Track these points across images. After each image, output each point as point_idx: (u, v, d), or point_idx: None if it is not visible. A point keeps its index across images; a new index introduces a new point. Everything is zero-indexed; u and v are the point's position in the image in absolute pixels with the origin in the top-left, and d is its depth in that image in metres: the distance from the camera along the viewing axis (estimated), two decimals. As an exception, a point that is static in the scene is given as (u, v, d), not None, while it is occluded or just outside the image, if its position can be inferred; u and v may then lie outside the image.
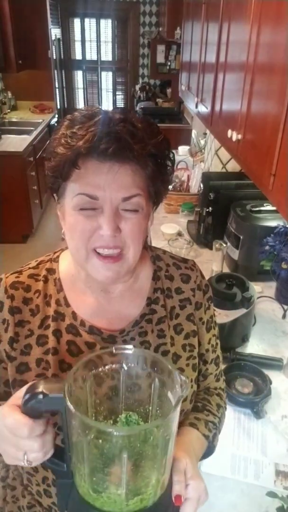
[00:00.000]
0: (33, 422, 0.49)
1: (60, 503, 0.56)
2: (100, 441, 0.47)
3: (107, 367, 0.55)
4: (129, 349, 0.55)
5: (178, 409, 0.48)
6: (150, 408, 0.56)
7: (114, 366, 0.56)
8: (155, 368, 0.55)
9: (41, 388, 0.48)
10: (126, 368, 0.56)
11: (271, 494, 0.85)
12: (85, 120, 0.57)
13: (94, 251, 0.60)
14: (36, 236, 3.83)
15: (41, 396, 0.48)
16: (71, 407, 0.46)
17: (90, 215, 0.59)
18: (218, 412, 0.77)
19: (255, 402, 1.03)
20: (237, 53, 1.16)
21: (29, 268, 0.71)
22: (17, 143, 3.53)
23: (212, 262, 1.63)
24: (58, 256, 0.72)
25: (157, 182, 0.62)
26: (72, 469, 0.52)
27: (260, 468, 0.92)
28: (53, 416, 0.57)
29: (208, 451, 0.73)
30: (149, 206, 0.63)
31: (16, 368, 0.66)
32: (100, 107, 0.62)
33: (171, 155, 0.63)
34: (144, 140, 0.57)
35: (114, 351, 0.55)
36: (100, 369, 0.55)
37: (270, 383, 1.09)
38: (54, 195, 0.65)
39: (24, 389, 0.51)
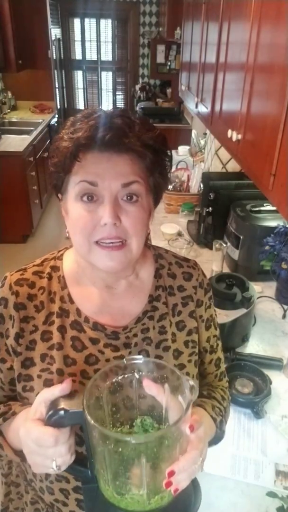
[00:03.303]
0: (58, 431, 0.52)
1: (86, 506, 0.59)
2: (120, 448, 0.51)
3: (120, 377, 0.58)
4: (139, 359, 0.59)
5: (189, 412, 0.51)
6: (163, 411, 0.58)
7: (126, 375, 0.59)
8: (165, 375, 0.58)
9: (62, 404, 0.52)
10: (137, 376, 0.59)
11: (271, 494, 0.85)
12: (86, 117, 0.61)
13: (96, 243, 0.61)
14: (36, 236, 3.83)
15: (62, 412, 0.52)
16: (91, 420, 0.50)
17: (91, 209, 0.60)
18: (223, 402, 0.78)
19: (255, 402, 1.03)
20: (237, 53, 1.16)
21: (34, 265, 0.72)
22: (17, 143, 3.53)
23: (212, 262, 1.63)
24: (62, 254, 0.74)
25: (155, 173, 0.64)
26: (96, 474, 0.56)
27: (260, 468, 0.92)
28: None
29: (216, 437, 0.74)
30: (148, 198, 0.65)
31: (22, 363, 0.67)
32: (101, 107, 0.64)
33: (168, 152, 0.65)
34: (140, 131, 0.60)
35: (125, 362, 0.58)
36: (113, 380, 0.58)
37: (270, 383, 1.09)
38: (58, 194, 0.66)
39: (37, 404, 0.55)
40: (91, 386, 0.54)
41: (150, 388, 0.58)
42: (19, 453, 0.65)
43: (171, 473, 0.52)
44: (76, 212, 0.61)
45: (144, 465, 0.51)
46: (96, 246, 0.61)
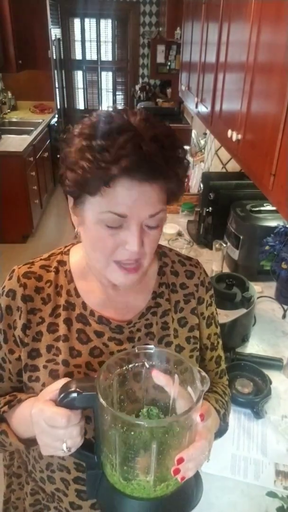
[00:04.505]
0: (70, 412, 0.53)
1: (89, 491, 0.59)
2: (132, 432, 0.51)
3: (130, 365, 0.59)
4: (151, 348, 0.59)
5: (200, 403, 0.52)
6: (170, 402, 0.59)
7: (136, 364, 0.59)
8: (175, 366, 0.59)
9: (74, 387, 0.53)
10: (147, 366, 0.59)
11: (271, 494, 0.85)
12: (110, 132, 0.54)
13: (114, 262, 0.61)
14: (36, 236, 3.83)
15: (75, 394, 0.52)
16: (104, 403, 0.50)
17: (114, 233, 0.59)
18: (225, 396, 0.80)
19: (255, 402, 1.03)
20: (237, 53, 1.16)
21: (41, 259, 0.73)
22: (17, 143, 3.53)
23: (212, 262, 1.63)
24: (69, 250, 0.75)
25: (177, 193, 0.63)
26: (102, 460, 0.56)
27: (260, 468, 0.92)
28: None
29: (221, 430, 0.76)
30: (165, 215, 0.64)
31: (28, 354, 0.68)
32: (118, 108, 0.60)
33: (185, 162, 0.62)
34: (173, 160, 0.58)
35: (136, 351, 0.59)
36: (124, 368, 0.59)
37: (270, 383, 1.09)
38: (69, 197, 0.63)
39: (54, 386, 0.56)
40: (103, 371, 0.55)
41: (159, 378, 0.58)
42: (24, 441, 0.66)
43: (180, 460, 0.52)
44: (97, 233, 0.60)
45: (153, 451, 0.52)
46: (115, 264, 0.62)
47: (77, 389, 0.52)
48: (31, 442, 0.66)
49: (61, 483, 0.73)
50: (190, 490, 0.57)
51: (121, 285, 0.65)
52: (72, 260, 0.73)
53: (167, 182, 0.59)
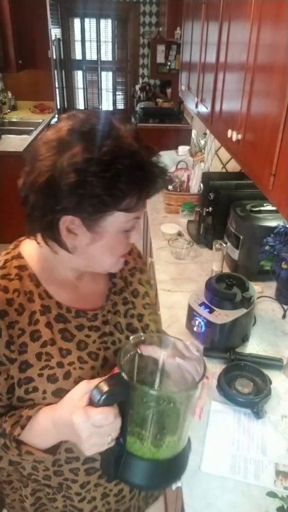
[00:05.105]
0: (113, 408, 0.58)
1: (110, 475, 0.64)
2: (172, 404, 0.60)
3: (128, 355, 0.64)
4: (140, 336, 0.67)
5: (204, 367, 0.62)
6: (159, 367, 0.68)
7: (132, 352, 0.65)
8: (162, 343, 0.68)
9: (106, 387, 0.57)
10: (139, 351, 0.65)
11: (271, 494, 0.85)
12: (124, 158, 0.60)
13: (121, 256, 0.71)
14: (36, 236, 3.82)
15: (114, 391, 0.57)
16: (146, 388, 0.61)
17: (129, 234, 0.68)
18: None
19: (255, 402, 1.03)
20: (237, 53, 1.16)
21: None
22: (17, 143, 3.53)
23: (212, 262, 1.63)
24: (19, 252, 0.74)
25: None
26: (128, 440, 0.62)
27: (260, 468, 0.92)
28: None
29: None
30: None
31: (19, 368, 0.67)
32: (107, 122, 0.63)
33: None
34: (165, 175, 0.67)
35: (132, 341, 0.65)
36: (125, 358, 0.64)
37: (270, 383, 1.09)
38: (67, 218, 0.62)
39: (78, 392, 0.60)
40: (123, 364, 0.61)
41: (147, 349, 0.65)
42: (48, 451, 0.67)
43: (200, 410, 0.65)
44: (118, 240, 0.67)
45: (182, 414, 0.61)
46: (121, 258, 0.71)
47: (112, 388, 0.57)
48: (54, 449, 0.68)
49: (70, 472, 0.76)
50: (189, 445, 0.69)
51: (115, 270, 0.73)
52: (31, 262, 0.72)
53: None
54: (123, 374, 0.58)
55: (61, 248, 0.66)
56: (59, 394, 0.67)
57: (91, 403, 0.57)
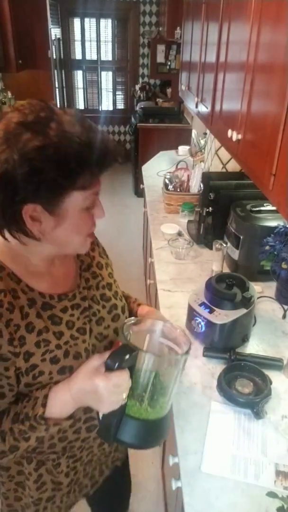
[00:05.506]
0: (125, 370, 0.69)
1: (107, 437, 0.74)
2: (170, 366, 0.75)
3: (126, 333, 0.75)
4: (131, 319, 0.79)
5: (189, 352, 0.74)
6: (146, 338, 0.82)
7: (127, 333, 0.75)
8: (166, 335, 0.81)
9: (120, 354, 0.69)
10: (131, 332, 0.76)
11: (271, 494, 0.85)
12: (81, 136, 0.64)
13: (88, 236, 0.75)
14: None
15: (127, 356, 0.68)
16: (153, 354, 0.75)
17: (90, 212, 0.72)
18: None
19: (255, 402, 1.03)
20: (237, 53, 1.16)
21: None
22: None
23: (212, 262, 1.63)
24: None
25: None
26: (128, 404, 0.72)
27: (260, 468, 0.92)
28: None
29: None
30: None
31: (23, 359, 0.73)
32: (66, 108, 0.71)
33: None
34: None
35: (126, 323, 0.77)
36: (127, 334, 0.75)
37: (270, 383, 1.09)
38: (28, 206, 0.65)
39: (90, 365, 0.71)
40: (123, 338, 0.73)
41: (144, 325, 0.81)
42: (68, 418, 0.77)
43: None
44: (81, 218, 0.71)
45: (173, 377, 0.74)
46: (88, 237, 0.76)
47: (124, 354, 0.68)
48: (71, 415, 0.77)
49: (73, 434, 0.86)
50: (171, 410, 0.80)
51: (85, 251, 0.80)
52: (5, 261, 0.74)
53: None
54: (131, 344, 0.70)
55: (29, 238, 0.69)
56: (63, 371, 0.76)
57: (107, 369, 0.69)
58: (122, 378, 0.68)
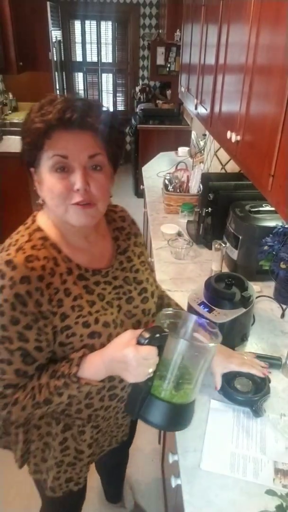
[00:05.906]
0: (154, 347, 0.74)
1: (132, 411, 0.79)
2: (196, 353, 0.79)
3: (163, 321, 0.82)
4: (168, 310, 0.87)
5: (218, 341, 0.80)
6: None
7: (162, 321, 0.81)
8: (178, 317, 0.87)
9: (148, 333, 0.74)
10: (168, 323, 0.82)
11: (270, 492, 0.85)
12: (51, 102, 0.75)
13: (72, 205, 0.78)
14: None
15: (158, 335, 0.74)
16: (181, 338, 0.79)
17: (63, 177, 0.76)
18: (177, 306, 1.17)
19: (254, 401, 1.04)
20: (236, 55, 1.17)
21: (25, 242, 0.82)
22: (18, 144, 3.50)
23: (211, 262, 1.64)
24: (38, 226, 0.86)
25: (113, 145, 0.82)
26: (154, 384, 0.77)
27: (259, 466, 0.92)
28: None
29: None
30: (109, 166, 0.83)
31: (59, 318, 0.81)
32: (59, 94, 0.81)
33: (121, 127, 0.84)
34: (98, 111, 0.78)
35: (164, 312, 0.84)
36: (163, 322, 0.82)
37: (269, 381, 1.10)
38: (32, 169, 0.81)
39: (124, 338, 0.78)
40: (159, 322, 0.80)
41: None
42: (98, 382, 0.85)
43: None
44: (51, 181, 0.77)
45: (200, 366, 0.78)
46: (74, 207, 0.78)
47: (154, 333, 0.74)
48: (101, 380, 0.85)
49: (99, 401, 0.93)
50: (194, 403, 0.83)
51: (81, 224, 0.81)
52: (48, 233, 0.84)
53: (100, 132, 0.77)
54: (165, 328, 0.76)
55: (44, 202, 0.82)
56: (92, 336, 0.84)
57: (138, 343, 0.74)
58: (150, 353, 0.74)
